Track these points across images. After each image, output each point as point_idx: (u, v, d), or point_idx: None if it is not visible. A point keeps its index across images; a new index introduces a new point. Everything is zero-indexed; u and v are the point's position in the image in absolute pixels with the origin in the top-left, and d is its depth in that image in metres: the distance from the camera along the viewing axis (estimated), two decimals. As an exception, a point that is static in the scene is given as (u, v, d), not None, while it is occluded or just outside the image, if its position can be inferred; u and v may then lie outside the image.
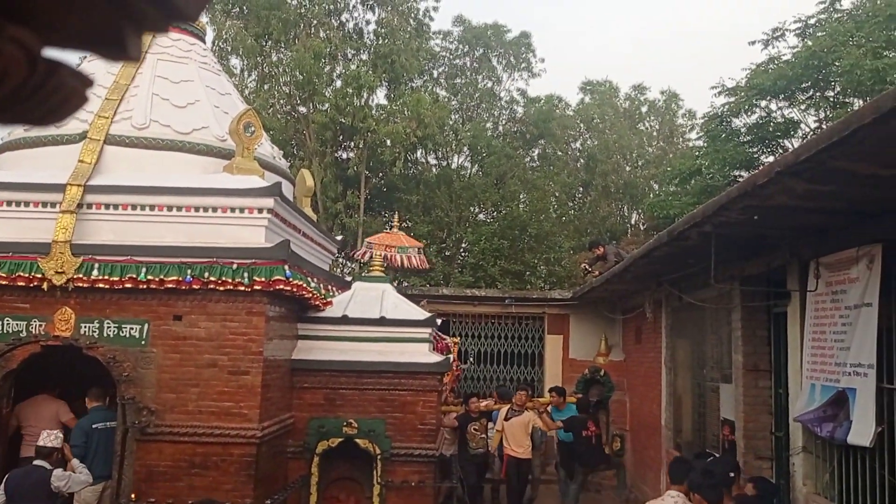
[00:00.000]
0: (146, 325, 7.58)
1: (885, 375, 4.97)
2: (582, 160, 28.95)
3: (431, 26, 26.26)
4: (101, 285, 7.45)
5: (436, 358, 9.27)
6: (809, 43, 17.17)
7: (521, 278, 21.79)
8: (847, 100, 16.28)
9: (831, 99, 17.01)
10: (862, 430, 4.90)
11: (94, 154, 8.22)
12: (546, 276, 23.12)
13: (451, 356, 11.42)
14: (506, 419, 10.41)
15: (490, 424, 10.81)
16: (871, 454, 5.03)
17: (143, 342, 7.55)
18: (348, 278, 12.99)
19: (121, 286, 7.45)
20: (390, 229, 15.74)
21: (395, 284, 12.62)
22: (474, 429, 10.42)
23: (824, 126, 15.21)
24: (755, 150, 18.15)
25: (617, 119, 29.24)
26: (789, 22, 18.08)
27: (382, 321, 9.21)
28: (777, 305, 6.98)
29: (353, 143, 23.75)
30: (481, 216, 25.87)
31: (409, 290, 14.66)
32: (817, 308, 5.80)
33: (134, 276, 7.42)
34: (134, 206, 7.93)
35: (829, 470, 5.71)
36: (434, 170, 26.00)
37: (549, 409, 11.20)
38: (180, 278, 7.44)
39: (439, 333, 11.73)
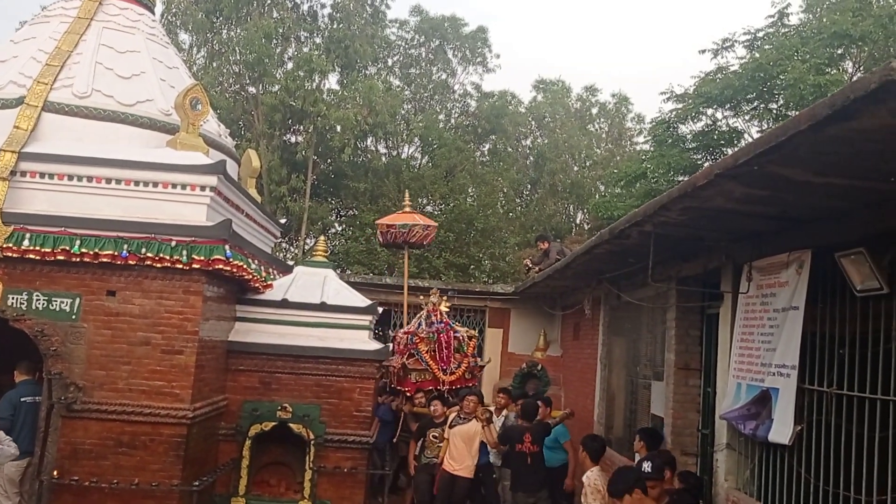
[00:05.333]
0: (77, 300, 7.38)
1: (805, 376, 5.15)
2: (531, 158, 29.22)
3: (388, 14, 26.16)
4: (31, 256, 7.24)
5: (375, 346, 9.25)
6: (757, 55, 17.65)
7: (466, 271, 21.90)
8: (789, 113, 16.77)
9: (774, 111, 17.50)
10: (782, 429, 5.06)
11: (31, 121, 7.96)
12: (490, 271, 23.29)
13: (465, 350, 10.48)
14: (450, 426, 8.81)
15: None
16: (790, 452, 5.21)
17: (73, 316, 7.36)
18: (291, 263, 12.86)
19: (52, 258, 7.25)
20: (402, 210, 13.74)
21: (338, 272, 12.47)
22: (433, 436, 9.10)
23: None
24: (699, 156, 18.56)
25: (568, 119, 29.58)
26: (739, 33, 18.59)
27: (323, 307, 9.14)
28: (710, 307, 7.15)
29: (302, 127, 23.48)
30: (429, 208, 25.87)
31: (352, 278, 14.58)
32: (747, 310, 5.97)
33: (67, 248, 7.22)
34: (71, 177, 7.70)
35: (751, 466, 5.89)
36: (383, 158, 25.90)
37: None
38: (116, 253, 7.27)
39: (451, 324, 10.75)
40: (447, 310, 11.19)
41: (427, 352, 10.24)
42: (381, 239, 13.15)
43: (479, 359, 11.32)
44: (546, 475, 8.37)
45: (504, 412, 9.85)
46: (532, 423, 8.44)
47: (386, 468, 9.71)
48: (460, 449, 8.60)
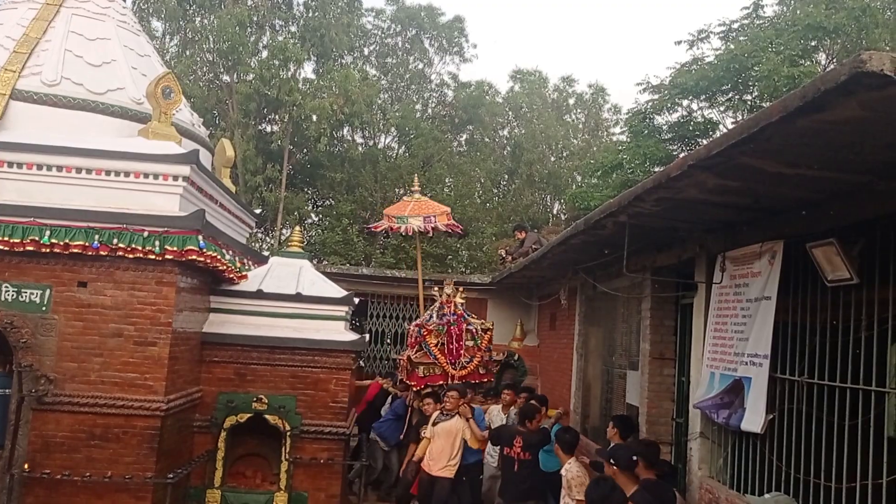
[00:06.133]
0: (48, 291, 7.27)
1: (777, 366, 5.21)
2: (508, 148, 29.20)
3: (364, 2, 26.02)
4: (0, 247, 7.10)
5: (351, 336, 9.22)
6: (732, 46, 17.75)
7: (443, 262, 21.89)
8: (763, 104, 16.87)
9: (749, 103, 17.62)
10: (754, 418, 5.12)
11: (-1, 109, 7.82)
12: (467, 261, 23.30)
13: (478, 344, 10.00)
14: (433, 423, 8.54)
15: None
16: (762, 440, 5.27)
17: (44, 308, 7.24)
18: (266, 253, 12.76)
19: (22, 248, 7.11)
20: (410, 195, 13.34)
21: (314, 262, 12.36)
22: (423, 434, 8.82)
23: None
24: (675, 147, 18.64)
25: (545, 109, 29.58)
26: (714, 24, 18.68)
27: (298, 297, 9.08)
28: (685, 297, 7.21)
29: (277, 117, 23.27)
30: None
31: (328, 269, 14.53)
32: (721, 300, 6.02)
33: (36, 238, 7.09)
34: (40, 167, 7.56)
35: (724, 455, 5.96)
36: (360, 148, 25.73)
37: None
38: (87, 243, 7.15)
39: (464, 316, 10.16)
40: (462, 301, 10.47)
41: (436, 345, 9.80)
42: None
43: (494, 353, 10.77)
44: (535, 485, 7.51)
45: (511, 409, 9.27)
46: (528, 427, 7.64)
47: (363, 459, 9.68)
48: (441, 447, 8.32)
